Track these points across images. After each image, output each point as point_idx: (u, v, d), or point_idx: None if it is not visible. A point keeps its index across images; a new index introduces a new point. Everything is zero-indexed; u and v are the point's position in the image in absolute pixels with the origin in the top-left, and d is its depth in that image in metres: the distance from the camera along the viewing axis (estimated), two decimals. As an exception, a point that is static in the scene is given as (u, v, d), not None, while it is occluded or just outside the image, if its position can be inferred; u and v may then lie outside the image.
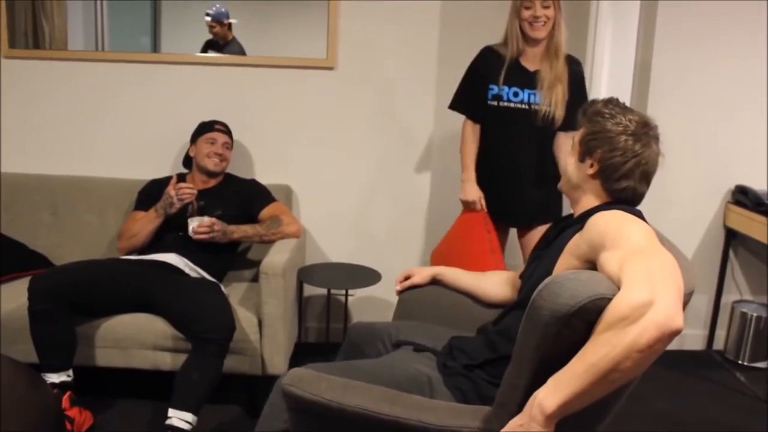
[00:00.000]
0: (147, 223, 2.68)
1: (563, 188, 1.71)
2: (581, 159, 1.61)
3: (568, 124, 2.56)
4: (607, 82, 3.99)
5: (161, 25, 3.09)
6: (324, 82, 3.07)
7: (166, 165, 3.10)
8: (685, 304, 1.36)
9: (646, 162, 1.54)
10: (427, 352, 1.81)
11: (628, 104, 1.64)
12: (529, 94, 2.60)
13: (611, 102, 1.61)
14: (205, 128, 2.84)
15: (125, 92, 3.09)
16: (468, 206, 2.72)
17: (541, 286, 1.27)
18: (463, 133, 2.75)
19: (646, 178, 1.57)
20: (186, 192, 2.60)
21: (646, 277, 1.20)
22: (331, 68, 3.04)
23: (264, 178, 3.03)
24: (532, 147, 2.65)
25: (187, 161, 2.92)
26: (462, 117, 2.76)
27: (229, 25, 3.07)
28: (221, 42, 3.07)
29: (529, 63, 2.62)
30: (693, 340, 3.40)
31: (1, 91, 3.08)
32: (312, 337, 3.25)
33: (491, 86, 2.62)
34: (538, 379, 1.27)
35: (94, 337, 2.46)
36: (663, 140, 1.60)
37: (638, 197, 1.59)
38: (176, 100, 3.09)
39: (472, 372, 1.66)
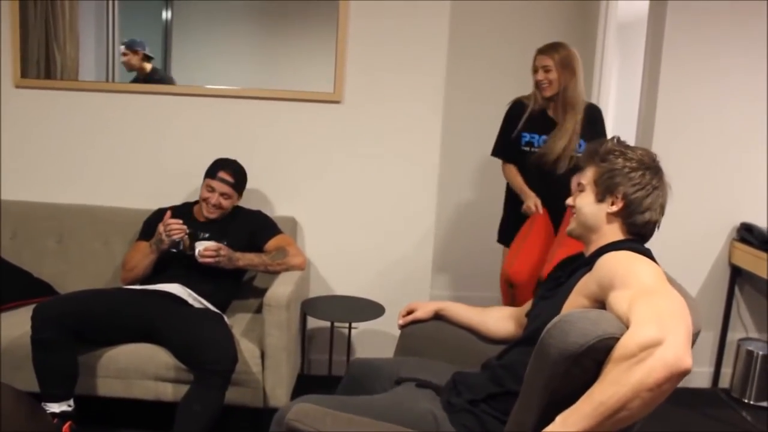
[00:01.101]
0: (143, 258, 2.69)
1: (575, 232, 1.70)
2: (600, 199, 1.62)
3: None
4: (612, 123, 4.01)
5: (171, 56, 3.13)
6: (331, 116, 3.10)
7: (173, 195, 3.11)
8: (693, 343, 1.36)
9: (662, 194, 1.60)
10: (429, 389, 1.79)
11: (633, 141, 1.67)
12: None
13: (618, 141, 1.67)
14: (210, 172, 2.78)
15: (134, 123, 3.13)
16: (530, 212, 2.86)
17: (550, 324, 1.28)
18: (506, 172, 3.04)
19: (662, 208, 1.62)
20: (174, 228, 2.58)
21: (655, 316, 1.20)
22: (337, 102, 3.08)
23: (269, 210, 3.05)
24: (553, 185, 2.83)
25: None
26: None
27: (146, 56, 3.09)
28: (139, 75, 3.10)
29: (552, 113, 2.91)
30: (698, 377, 3.37)
31: (11, 119, 3.12)
32: (314, 370, 3.23)
33: (523, 134, 2.91)
34: (546, 417, 1.27)
35: (96, 367, 2.46)
36: (668, 177, 1.64)
37: (653, 230, 1.63)
38: (184, 131, 3.12)
39: (477, 407, 1.65)
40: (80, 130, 3.14)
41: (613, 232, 1.61)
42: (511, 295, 2.77)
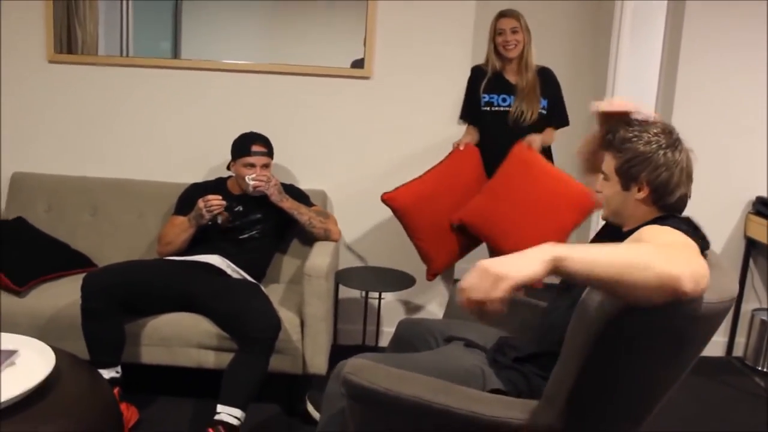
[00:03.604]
0: (181, 232, 2.76)
1: (610, 219, 1.72)
2: (625, 188, 1.62)
3: (557, 122, 3.11)
4: (630, 91, 4.06)
5: (182, 31, 3.17)
6: (360, 91, 3.16)
7: (204, 169, 3.19)
8: (728, 309, 1.43)
9: (687, 164, 1.59)
10: (477, 349, 1.88)
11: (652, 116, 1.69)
12: (512, 100, 3.05)
13: (629, 124, 1.63)
14: (243, 151, 2.80)
15: (164, 98, 3.18)
16: (454, 148, 3.05)
17: (588, 289, 1.34)
18: (466, 131, 3.18)
19: (690, 177, 1.61)
20: (214, 204, 2.64)
21: (682, 255, 1.29)
22: (367, 78, 3.13)
23: (300, 183, 3.12)
24: (516, 140, 2.97)
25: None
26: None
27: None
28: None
29: (510, 76, 3.07)
30: (713, 346, 3.48)
31: (45, 94, 3.17)
32: (345, 339, 3.32)
33: (483, 95, 3.06)
34: (584, 378, 1.35)
35: (141, 335, 2.54)
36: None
37: (686, 201, 1.63)
38: (214, 105, 3.18)
39: (523, 365, 1.74)
40: (111, 104, 3.19)
41: (646, 214, 1.62)
42: (397, 218, 2.96)
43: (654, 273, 1.18)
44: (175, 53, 3.17)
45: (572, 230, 2.84)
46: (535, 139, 2.95)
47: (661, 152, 1.56)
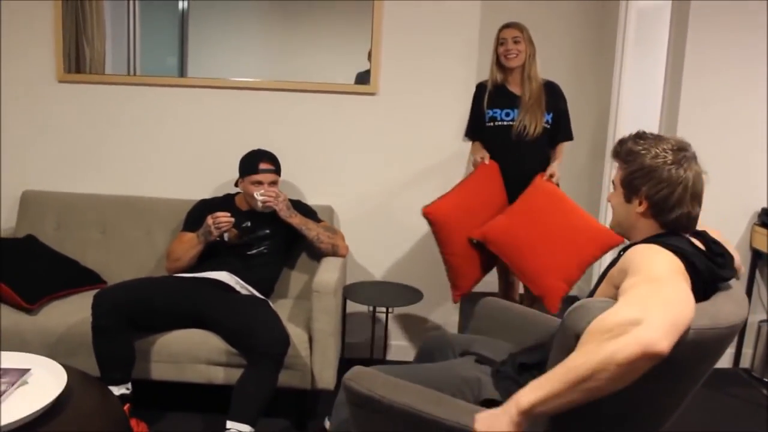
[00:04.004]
0: (190, 248, 2.78)
1: (616, 229, 1.72)
2: (627, 200, 1.61)
3: (562, 136, 3.11)
4: (634, 103, 4.08)
5: (188, 48, 3.21)
6: (367, 107, 3.19)
7: (212, 185, 3.22)
8: (730, 335, 1.42)
9: (693, 184, 1.53)
10: (486, 364, 1.90)
11: (656, 127, 1.68)
12: (516, 114, 3.05)
13: (640, 137, 1.60)
14: (250, 168, 2.82)
15: (172, 115, 3.22)
16: (477, 164, 3.04)
17: (571, 308, 1.37)
18: (472, 150, 3.20)
19: (697, 198, 1.56)
20: (223, 221, 2.66)
21: (642, 299, 1.25)
22: (373, 94, 3.16)
23: (306, 198, 3.15)
24: (521, 154, 3.03)
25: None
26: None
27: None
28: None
29: (513, 88, 3.06)
30: (721, 357, 3.47)
31: (55, 113, 3.21)
32: (353, 353, 3.33)
33: (487, 111, 3.06)
34: None
35: (150, 352, 2.56)
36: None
37: (692, 221, 1.58)
38: (223, 123, 3.21)
39: (522, 376, 1.74)
40: (118, 122, 3.22)
41: (650, 228, 1.60)
42: (433, 233, 2.92)
43: (617, 363, 1.17)
44: (182, 69, 3.21)
45: (591, 264, 2.85)
46: (555, 173, 2.98)
47: (666, 168, 1.53)
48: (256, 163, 2.83)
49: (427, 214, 2.86)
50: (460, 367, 1.88)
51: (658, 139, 1.58)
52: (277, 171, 2.88)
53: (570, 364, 1.23)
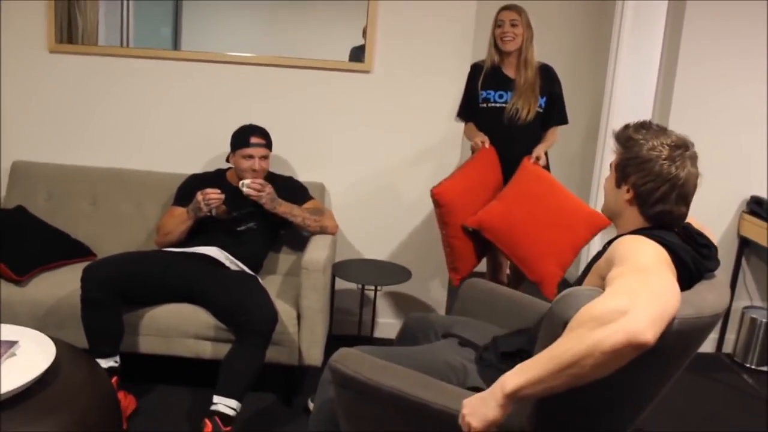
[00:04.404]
0: (180, 223, 2.78)
1: (605, 213, 1.74)
2: (617, 185, 1.62)
3: (556, 120, 3.11)
4: (629, 90, 4.08)
5: (182, 22, 3.17)
6: (360, 85, 3.18)
7: (203, 160, 3.21)
8: (712, 324, 1.44)
9: (682, 184, 1.53)
10: (469, 347, 1.92)
11: (650, 115, 1.67)
12: (509, 97, 3.05)
13: (644, 126, 1.60)
14: (240, 141, 2.84)
15: (165, 88, 3.20)
16: (477, 147, 3.02)
17: (558, 296, 1.38)
18: (465, 131, 3.19)
19: (684, 199, 1.55)
20: (213, 197, 2.67)
21: (629, 289, 1.26)
22: (367, 72, 3.15)
23: (298, 176, 3.15)
24: (514, 137, 3.04)
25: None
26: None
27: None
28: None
29: (508, 71, 3.05)
30: (704, 343, 3.52)
31: (46, 84, 3.18)
32: (340, 329, 3.36)
33: (481, 91, 3.06)
34: None
35: (139, 326, 2.58)
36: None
37: (676, 219, 1.57)
38: (214, 97, 3.20)
39: (506, 363, 1.75)
40: (111, 94, 3.20)
41: (635, 218, 1.61)
42: (439, 214, 2.90)
43: (602, 351, 1.18)
44: (176, 41, 3.18)
45: (583, 247, 2.87)
46: (541, 156, 2.97)
47: (658, 162, 1.52)
48: (248, 137, 2.83)
49: (436, 194, 2.82)
50: (444, 352, 1.89)
51: (660, 132, 1.58)
52: (268, 146, 2.89)
53: (556, 350, 1.25)
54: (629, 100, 4.06)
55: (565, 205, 2.86)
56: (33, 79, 3.17)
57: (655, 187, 1.53)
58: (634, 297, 1.23)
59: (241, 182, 2.71)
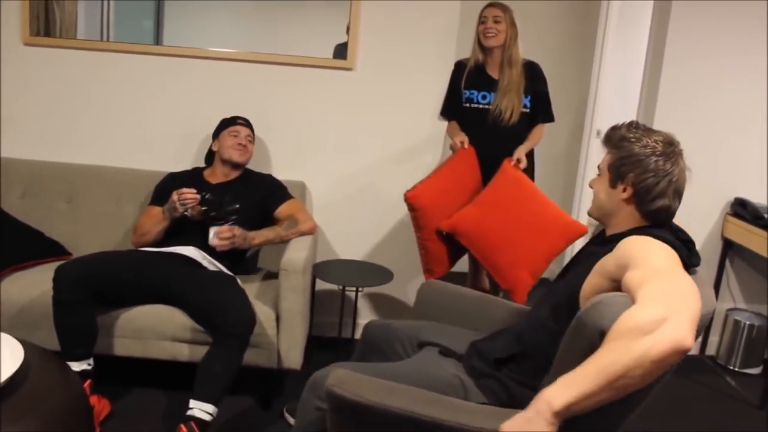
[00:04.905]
0: (156, 223, 2.73)
1: (594, 215, 1.74)
2: (612, 185, 1.64)
3: (542, 117, 3.04)
4: (614, 91, 4.07)
5: (164, 16, 3.11)
6: (343, 83, 3.13)
7: (184, 158, 3.15)
8: (704, 326, 1.43)
9: (677, 179, 1.59)
10: (452, 358, 1.87)
11: (635, 116, 1.69)
12: (493, 98, 2.98)
13: (633, 125, 1.65)
14: (227, 122, 2.92)
15: (144, 84, 3.13)
16: (456, 147, 2.95)
17: (588, 305, 1.36)
18: (447, 130, 3.13)
19: (678, 194, 1.61)
20: (188, 198, 2.62)
21: (662, 295, 1.27)
22: (350, 69, 3.10)
23: (279, 174, 3.09)
24: (498, 139, 2.96)
25: (209, 157, 2.97)
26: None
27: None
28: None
29: (492, 71, 2.99)
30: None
31: (20, 77, 3.10)
32: (320, 331, 3.31)
33: (464, 91, 2.99)
34: None
35: (114, 327, 2.51)
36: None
37: (671, 215, 1.63)
38: (194, 94, 3.14)
39: (500, 371, 1.74)
40: (89, 90, 3.13)
41: (631, 217, 1.63)
42: (414, 218, 2.85)
43: (651, 360, 1.20)
44: (157, 35, 3.11)
45: (557, 255, 2.84)
46: (522, 158, 2.90)
47: (654, 158, 1.58)
48: (233, 119, 2.94)
49: (410, 198, 2.78)
50: (434, 366, 1.83)
51: (649, 130, 1.63)
52: (253, 133, 2.96)
53: (602, 362, 1.24)
54: (614, 100, 4.05)
55: (541, 212, 2.81)
56: (6, 72, 3.09)
57: (654, 182, 1.57)
58: (668, 303, 1.25)
59: (210, 236, 2.61)
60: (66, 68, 3.10)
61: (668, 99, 3.24)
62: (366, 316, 3.37)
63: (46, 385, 1.88)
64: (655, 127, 1.67)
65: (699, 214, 3.37)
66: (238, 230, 2.63)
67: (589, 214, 1.78)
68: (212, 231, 2.61)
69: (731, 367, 3.39)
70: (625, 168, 1.61)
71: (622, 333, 1.24)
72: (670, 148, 1.60)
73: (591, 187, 1.76)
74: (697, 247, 3.34)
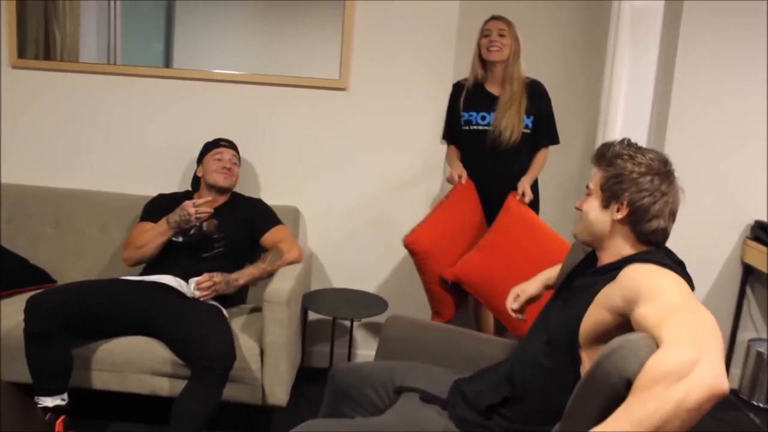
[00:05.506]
0: (157, 235, 2.63)
1: (581, 237, 1.63)
2: (605, 205, 1.55)
3: (546, 140, 2.91)
4: (623, 117, 3.91)
5: (174, 38, 3.04)
6: (336, 103, 3.03)
7: (172, 181, 3.07)
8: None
9: (672, 200, 1.52)
10: (435, 404, 1.73)
11: (645, 140, 1.58)
12: (492, 118, 2.85)
13: (627, 144, 1.57)
14: (210, 146, 2.83)
15: (135, 106, 3.06)
16: (453, 182, 2.82)
17: (607, 349, 1.25)
18: (446, 155, 3.01)
19: (673, 215, 1.54)
20: (205, 211, 2.59)
21: (688, 335, 1.18)
22: (343, 89, 3.00)
23: (272, 198, 2.98)
24: (498, 162, 2.85)
25: (195, 182, 2.87)
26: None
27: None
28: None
29: (492, 88, 2.87)
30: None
31: (7, 101, 3.05)
32: (315, 361, 3.18)
33: (463, 113, 2.87)
34: None
35: (91, 360, 2.41)
36: (682, 174, 1.56)
37: (665, 237, 1.54)
38: (186, 116, 3.06)
39: (491, 420, 1.61)
40: (78, 113, 3.07)
41: (624, 239, 1.54)
42: (415, 262, 2.71)
43: (687, 409, 1.10)
44: (167, 58, 3.05)
45: None
46: (527, 191, 2.76)
47: (649, 177, 1.50)
48: (216, 142, 2.85)
49: (409, 244, 2.63)
50: (420, 419, 1.68)
51: (642, 149, 1.56)
52: (238, 155, 2.86)
53: (637, 414, 1.13)
54: (626, 118, 3.89)
55: (549, 249, 2.62)
56: (-5, 95, 3.04)
57: (652, 202, 1.50)
58: (696, 344, 1.16)
59: (191, 288, 2.52)
60: (52, 91, 3.04)
61: (680, 115, 3.06)
62: (362, 346, 3.23)
63: (6, 422, 1.78)
64: (667, 146, 1.56)
65: (716, 238, 3.18)
66: (218, 276, 2.53)
67: (576, 237, 1.66)
68: (192, 282, 2.52)
69: (755, 403, 3.17)
70: (620, 186, 1.51)
71: (653, 380, 1.13)
72: (666, 168, 1.52)
73: (578, 208, 1.64)
74: (716, 273, 3.22)
